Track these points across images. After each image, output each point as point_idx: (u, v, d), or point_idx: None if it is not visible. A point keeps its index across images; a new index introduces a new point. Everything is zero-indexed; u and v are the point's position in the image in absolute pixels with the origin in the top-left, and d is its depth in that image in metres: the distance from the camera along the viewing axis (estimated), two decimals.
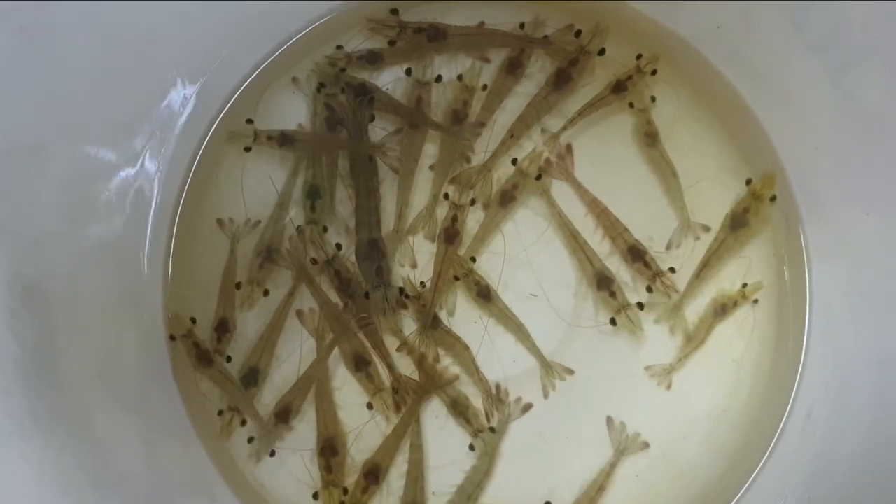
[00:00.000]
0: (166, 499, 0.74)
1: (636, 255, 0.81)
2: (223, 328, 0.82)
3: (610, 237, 0.82)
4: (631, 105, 0.83)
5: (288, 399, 0.80)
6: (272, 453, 0.80)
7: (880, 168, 0.70)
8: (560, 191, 0.83)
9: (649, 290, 0.81)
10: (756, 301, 0.81)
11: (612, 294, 0.80)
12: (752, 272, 0.81)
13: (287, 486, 0.80)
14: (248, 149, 0.83)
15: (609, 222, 0.82)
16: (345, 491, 0.79)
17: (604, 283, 0.81)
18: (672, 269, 0.81)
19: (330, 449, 0.79)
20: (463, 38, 0.84)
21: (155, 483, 0.73)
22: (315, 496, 0.79)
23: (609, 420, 0.80)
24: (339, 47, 0.85)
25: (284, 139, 0.83)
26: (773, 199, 0.81)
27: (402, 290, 0.81)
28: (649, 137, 0.82)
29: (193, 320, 0.82)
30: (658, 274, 0.81)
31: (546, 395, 0.80)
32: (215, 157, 0.84)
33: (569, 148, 0.83)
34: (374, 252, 0.80)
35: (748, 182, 0.82)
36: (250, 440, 0.80)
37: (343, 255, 0.82)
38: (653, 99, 0.83)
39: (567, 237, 0.82)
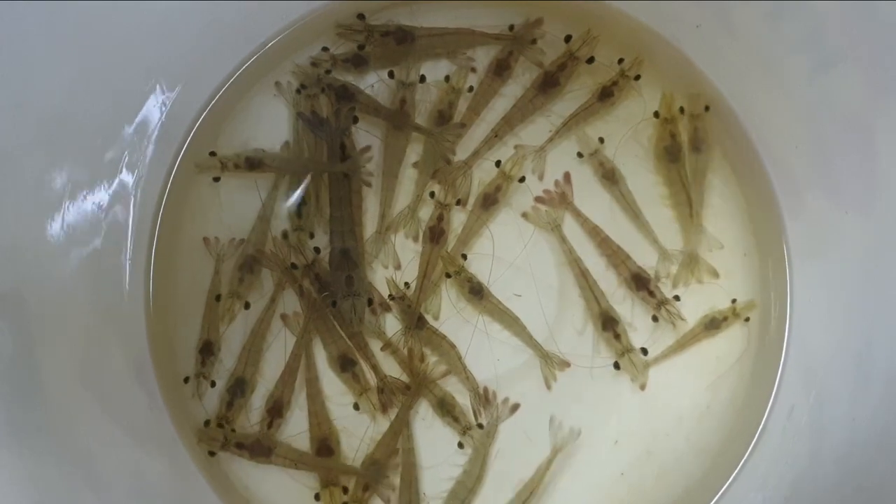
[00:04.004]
0: None
1: (640, 283, 0.81)
2: (207, 351, 0.81)
3: (613, 266, 0.82)
4: (580, 155, 0.83)
5: (277, 393, 0.80)
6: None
7: (859, 166, 0.71)
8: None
9: (655, 319, 0.81)
10: (748, 319, 0.81)
11: (617, 336, 0.80)
12: (734, 271, 0.82)
13: (275, 491, 0.80)
14: (216, 179, 0.83)
15: (611, 251, 0.82)
16: (344, 490, 0.79)
17: (609, 323, 0.80)
18: (677, 297, 0.81)
19: (325, 449, 0.79)
20: (431, 40, 0.83)
21: (140, 494, 0.73)
22: (317, 497, 0.79)
23: (550, 420, 0.80)
24: (325, 49, 0.84)
25: (250, 164, 0.82)
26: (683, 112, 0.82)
27: (371, 300, 0.81)
28: (607, 179, 0.82)
29: (220, 424, 0.80)
30: (663, 302, 0.81)
31: (549, 387, 0.80)
32: (194, 167, 0.83)
33: (567, 177, 0.83)
34: (345, 262, 0.80)
35: (656, 115, 0.83)
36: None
37: (323, 257, 0.82)
38: (601, 140, 0.83)
39: (577, 275, 0.81)
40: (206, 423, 0.81)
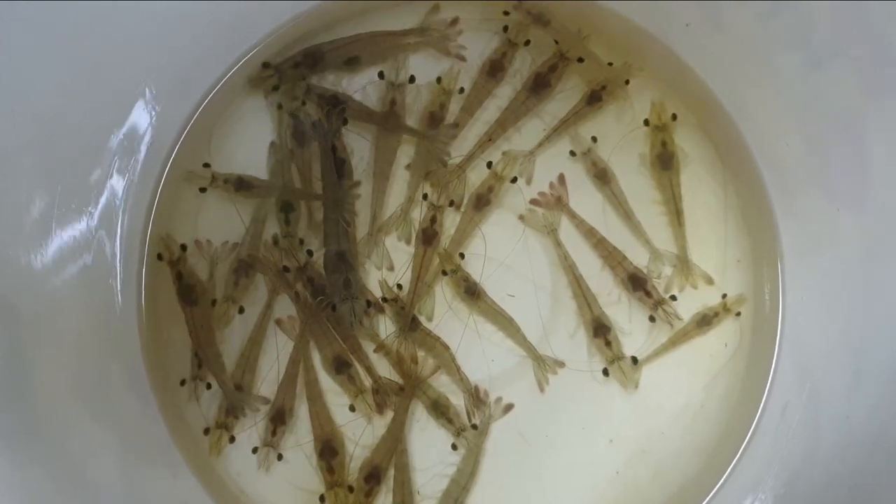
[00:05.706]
0: None
1: (637, 283, 0.81)
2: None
3: (610, 267, 0.82)
4: (572, 153, 0.83)
5: (279, 401, 0.80)
6: (280, 457, 0.80)
7: (850, 164, 0.71)
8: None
9: (652, 319, 0.81)
10: (739, 314, 0.82)
11: (608, 343, 0.80)
12: (728, 270, 0.82)
13: (274, 497, 0.80)
14: (202, 189, 0.82)
15: (607, 252, 0.82)
16: (350, 489, 0.79)
17: (600, 330, 0.81)
18: (674, 297, 0.81)
19: (329, 450, 0.79)
20: (337, 51, 0.82)
21: (135, 501, 0.72)
22: (321, 499, 0.79)
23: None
24: (266, 65, 0.83)
25: (240, 184, 0.82)
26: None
27: (369, 302, 0.81)
28: (599, 179, 0.82)
29: (184, 247, 0.80)
30: (660, 303, 0.81)
31: (542, 389, 0.80)
32: (185, 169, 0.83)
33: (561, 178, 0.83)
34: (342, 264, 0.79)
35: (646, 122, 0.83)
36: (255, 450, 0.80)
37: (315, 260, 0.81)
38: (594, 139, 0.83)
39: (571, 280, 0.81)
40: (206, 430, 0.80)
